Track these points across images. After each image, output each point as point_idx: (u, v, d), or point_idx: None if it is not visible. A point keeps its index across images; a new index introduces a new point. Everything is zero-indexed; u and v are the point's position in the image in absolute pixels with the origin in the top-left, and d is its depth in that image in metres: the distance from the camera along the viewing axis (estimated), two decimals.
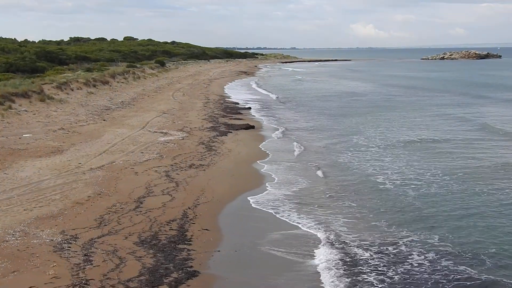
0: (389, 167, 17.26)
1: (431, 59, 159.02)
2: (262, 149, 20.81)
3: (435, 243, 10.68)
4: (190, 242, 10.60)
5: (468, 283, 8.94)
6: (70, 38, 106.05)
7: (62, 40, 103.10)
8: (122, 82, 43.33)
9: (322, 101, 39.87)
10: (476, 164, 17.55)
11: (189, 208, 12.75)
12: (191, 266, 9.47)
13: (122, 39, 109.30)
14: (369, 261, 9.83)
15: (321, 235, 11.28)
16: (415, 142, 21.77)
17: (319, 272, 9.43)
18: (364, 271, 9.41)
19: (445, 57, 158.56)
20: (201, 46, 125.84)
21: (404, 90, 47.72)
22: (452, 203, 13.33)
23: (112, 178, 15.14)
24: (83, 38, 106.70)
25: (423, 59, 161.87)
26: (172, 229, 11.27)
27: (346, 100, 39.68)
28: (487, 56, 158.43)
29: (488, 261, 9.77)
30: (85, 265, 9.17)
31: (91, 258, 9.47)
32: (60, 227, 10.99)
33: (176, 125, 25.06)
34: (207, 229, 11.39)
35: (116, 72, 45.39)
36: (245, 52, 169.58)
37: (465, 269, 9.45)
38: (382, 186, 15.09)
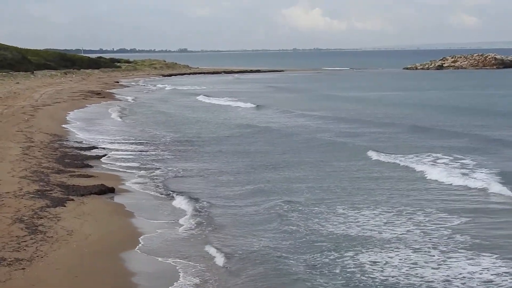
0: None
1: (421, 68, 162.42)
2: (130, 228, 20.64)
3: None
4: None
5: None
6: None
7: None
8: None
9: (219, 142, 40.31)
10: None
11: None
12: None
13: None
14: None
15: None
16: None
17: None
18: None
19: (444, 64, 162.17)
20: (20, 47, 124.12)
21: None
22: None
23: None
24: None
25: (406, 69, 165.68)
26: None
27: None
28: None
29: None
30: None
31: None
32: None
33: None
34: None
35: None
36: (99, 57, 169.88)
37: None
38: None
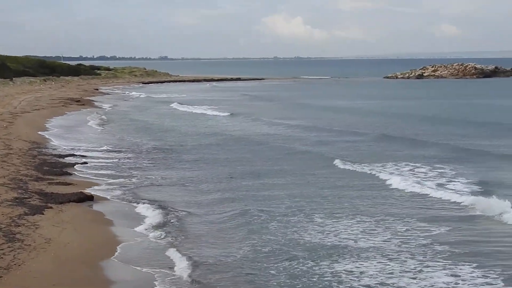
0: None
1: (401, 77, 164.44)
2: (109, 236, 20.51)
3: None
4: None
5: None
6: None
7: None
8: None
9: (202, 148, 40.36)
10: None
11: None
12: None
13: None
14: None
15: None
16: None
17: None
18: None
19: (424, 73, 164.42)
20: None
21: None
22: None
23: None
24: None
25: (387, 78, 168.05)
26: None
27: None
28: (494, 72, 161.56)
29: None
30: None
31: None
32: None
33: None
34: None
35: None
36: (79, 64, 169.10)
37: None
38: None
